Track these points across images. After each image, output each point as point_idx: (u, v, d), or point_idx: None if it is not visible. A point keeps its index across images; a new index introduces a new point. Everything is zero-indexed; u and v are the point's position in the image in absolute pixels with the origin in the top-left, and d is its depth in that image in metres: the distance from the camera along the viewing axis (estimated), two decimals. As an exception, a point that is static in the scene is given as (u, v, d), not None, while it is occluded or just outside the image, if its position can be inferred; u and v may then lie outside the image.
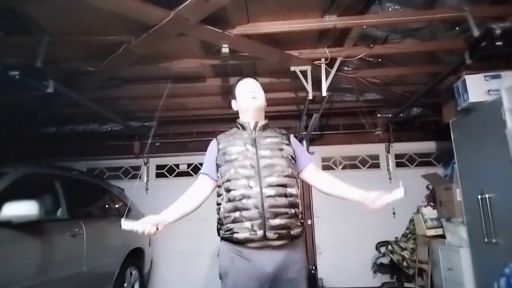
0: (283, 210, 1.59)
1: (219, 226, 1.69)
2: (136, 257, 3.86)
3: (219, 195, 1.71)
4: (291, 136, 1.87)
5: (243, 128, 1.80)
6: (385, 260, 4.42)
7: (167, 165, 5.38)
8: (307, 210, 4.96)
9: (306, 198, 4.99)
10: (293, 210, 1.62)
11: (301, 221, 1.68)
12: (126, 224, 1.53)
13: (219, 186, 1.72)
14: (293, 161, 1.75)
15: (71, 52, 3.06)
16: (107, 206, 3.80)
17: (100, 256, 3.17)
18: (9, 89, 2.73)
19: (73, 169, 3.77)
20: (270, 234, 1.55)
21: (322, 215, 4.96)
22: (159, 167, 5.39)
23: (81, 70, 3.27)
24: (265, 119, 1.86)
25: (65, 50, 3.01)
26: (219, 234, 1.70)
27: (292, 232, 1.61)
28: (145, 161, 5.31)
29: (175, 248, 4.89)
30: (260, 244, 1.58)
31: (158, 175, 5.37)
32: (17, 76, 2.45)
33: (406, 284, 4.42)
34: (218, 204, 1.69)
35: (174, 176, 5.33)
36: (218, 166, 1.74)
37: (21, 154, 4.57)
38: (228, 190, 1.63)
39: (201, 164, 5.09)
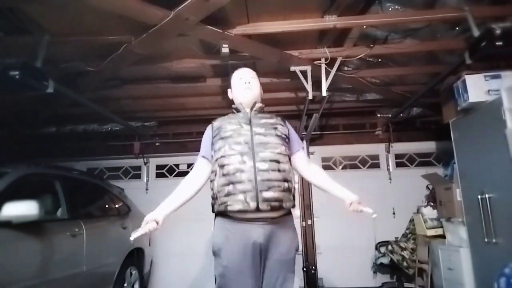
0: (276, 183, 1.62)
1: (213, 201, 1.72)
2: (136, 257, 3.86)
3: (213, 171, 1.74)
4: (287, 121, 1.91)
5: (238, 111, 1.86)
6: (385, 260, 4.42)
7: (167, 165, 5.38)
8: (307, 210, 4.96)
9: (306, 198, 4.99)
10: (286, 184, 1.65)
11: (293, 195, 1.72)
12: (134, 235, 1.61)
13: (213, 163, 1.74)
14: (286, 140, 1.79)
15: (71, 52, 3.06)
16: (107, 206, 3.80)
17: (100, 256, 3.17)
18: (9, 89, 2.73)
19: (73, 169, 3.78)
20: (263, 206, 1.59)
21: (322, 215, 4.96)
22: (159, 167, 5.39)
23: (81, 70, 3.27)
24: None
25: (65, 50, 3.01)
26: (213, 210, 1.73)
27: (284, 205, 1.65)
28: (145, 161, 5.31)
29: (175, 248, 4.89)
30: (253, 215, 1.61)
31: (158, 175, 5.37)
32: (17, 76, 2.44)
33: (406, 284, 4.42)
34: (212, 180, 1.72)
35: (174, 176, 5.33)
36: (213, 143, 1.76)
37: (21, 154, 4.57)
38: (222, 166, 1.66)
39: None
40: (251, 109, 1.83)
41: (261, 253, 1.64)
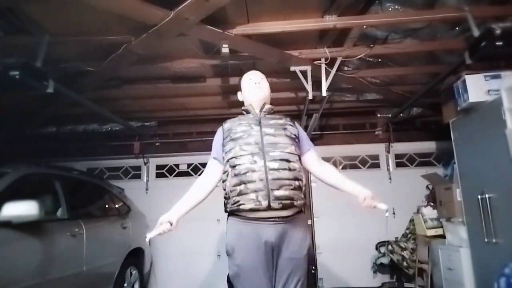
0: (286, 182, 1.64)
1: (225, 201, 1.75)
2: (136, 257, 3.86)
3: (224, 171, 1.76)
4: (296, 122, 1.94)
5: (248, 112, 1.88)
6: (385, 260, 4.41)
7: (167, 165, 5.38)
8: (307, 210, 4.96)
9: (306, 198, 4.98)
10: (296, 183, 1.68)
11: (304, 194, 1.75)
12: (149, 235, 1.66)
13: (224, 163, 1.77)
14: (296, 140, 1.81)
15: (71, 52, 3.06)
16: (107, 206, 3.80)
17: (100, 256, 3.17)
18: (9, 89, 2.73)
19: (73, 169, 3.78)
20: (274, 204, 1.61)
21: (322, 215, 4.96)
22: (159, 167, 5.39)
23: (81, 70, 3.27)
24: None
25: (65, 50, 3.01)
26: (226, 209, 1.76)
27: (296, 203, 1.67)
28: (145, 161, 5.31)
29: (175, 248, 4.88)
30: (264, 214, 1.63)
31: (158, 175, 5.37)
32: (17, 76, 2.45)
33: (406, 284, 4.42)
34: (224, 180, 1.75)
35: (174, 176, 5.33)
36: (224, 145, 1.79)
37: (21, 154, 4.58)
38: (233, 166, 1.69)
39: (201, 164, 5.10)
40: (261, 110, 1.86)
41: (273, 252, 1.66)
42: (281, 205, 1.62)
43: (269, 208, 1.61)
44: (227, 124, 1.85)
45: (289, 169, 1.67)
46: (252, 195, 1.61)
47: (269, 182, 1.62)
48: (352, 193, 1.81)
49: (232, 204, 1.68)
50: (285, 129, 1.79)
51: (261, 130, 1.75)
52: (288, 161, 1.68)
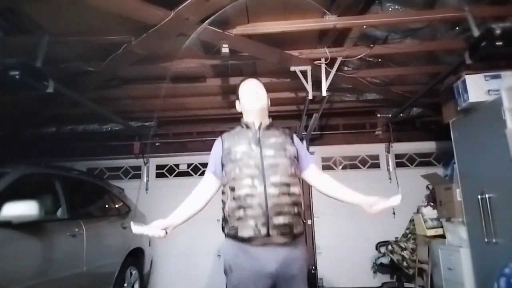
0: (286, 209, 1.61)
1: (224, 223, 1.72)
2: (136, 257, 3.86)
3: (223, 193, 1.74)
4: (294, 135, 1.90)
5: (248, 127, 1.82)
6: (385, 260, 4.42)
7: (167, 165, 5.38)
8: (307, 210, 4.96)
9: (306, 198, 4.98)
10: (296, 209, 1.65)
11: (303, 219, 1.71)
12: (136, 228, 1.58)
13: (224, 185, 1.75)
14: (296, 161, 1.78)
15: (71, 52, 3.06)
16: (107, 206, 3.80)
17: (100, 256, 3.17)
18: (9, 89, 2.73)
19: (73, 169, 3.78)
20: (273, 232, 1.58)
21: (322, 215, 4.96)
22: (159, 167, 5.39)
23: (81, 70, 3.27)
24: (268, 118, 1.88)
25: (65, 50, 3.01)
26: (223, 231, 1.73)
27: (295, 231, 1.64)
28: (145, 161, 5.31)
29: (175, 248, 4.88)
30: (263, 241, 1.60)
31: (158, 175, 5.37)
32: (17, 76, 2.45)
33: (406, 284, 4.42)
34: (223, 202, 1.72)
35: (174, 176, 5.32)
36: (223, 165, 1.76)
37: (21, 154, 4.57)
38: (233, 189, 1.66)
39: (201, 164, 5.08)
40: (259, 128, 1.79)
41: (272, 276, 1.62)
42: (280, 233, 1.59)
43: (267, 236, 1.58)
44: (226, 143, 1.78)
45: (289, 195, 1.64)
46: (251, 222, 1.58)
47: (269, 209, 1.59)
48: (356, 203, 1.76)
49: (230, 228, 1.65)
50: (285, 149, 1.74)
51: (261, 152, 1.70)
52: (288, 185, 1.65)
